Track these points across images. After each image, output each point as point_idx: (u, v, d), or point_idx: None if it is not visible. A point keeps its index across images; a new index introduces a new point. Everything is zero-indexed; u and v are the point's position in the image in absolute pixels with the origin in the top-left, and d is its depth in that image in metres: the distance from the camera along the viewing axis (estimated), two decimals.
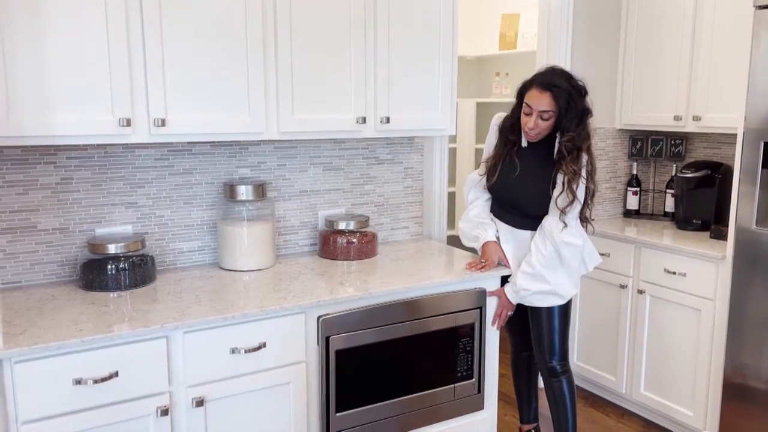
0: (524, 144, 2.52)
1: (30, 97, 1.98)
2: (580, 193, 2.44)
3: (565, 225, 2.43)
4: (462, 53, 3.78)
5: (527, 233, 2.56)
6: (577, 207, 2.45)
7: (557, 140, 2.43)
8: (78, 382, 1.84)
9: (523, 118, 2.45)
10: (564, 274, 2.51)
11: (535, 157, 2.51)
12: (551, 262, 2.48)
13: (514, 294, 2.54)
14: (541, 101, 2.37)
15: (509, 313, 2.61)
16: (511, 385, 3.06)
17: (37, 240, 2.35)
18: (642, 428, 3.27)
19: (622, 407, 3.45)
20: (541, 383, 2.80)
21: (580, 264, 2.58)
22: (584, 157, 2.43)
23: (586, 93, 2.43)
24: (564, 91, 2.36)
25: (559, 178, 2.44)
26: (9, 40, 1.93)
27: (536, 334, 2.64)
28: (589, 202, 2.52)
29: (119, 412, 1.92)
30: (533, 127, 2.41)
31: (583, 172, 2.43)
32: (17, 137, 2.00)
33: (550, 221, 2.48)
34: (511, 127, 2.54)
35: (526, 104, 2.41)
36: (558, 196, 2.43)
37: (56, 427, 1.84)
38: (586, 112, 2.42)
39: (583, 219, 2.54)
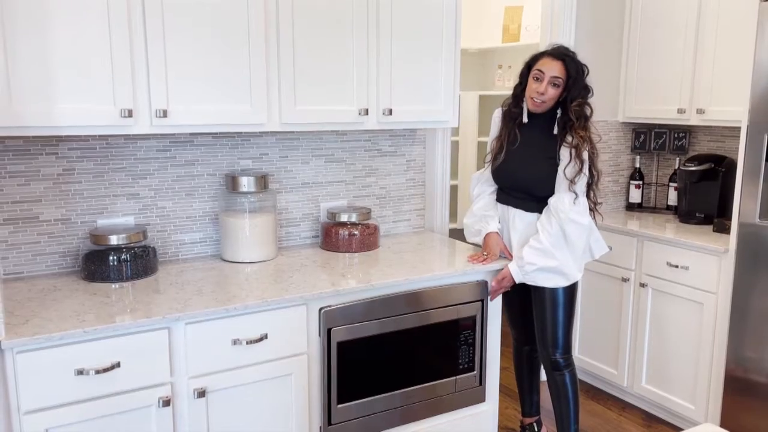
0: (525, 119, 2.54)
1: (32, 87, 1.98)
2: (586, 158, 2.45)
3: (576, 195, 2.44)
4: (465, 46, 3.77)
5: (534, 216, 2.55)
6: (584, 178, 2.45)
7: (558, 116, 2.47)
8: (80, 372, 1.85)
9: (533, 84, 2.47)
10: (569, 254, 2.50)
11: (536, 133, 2.53)
12: (557, 241, 2.46)
13: (519, 270, 2.51)
14: (553, 67, 2.44)
15: (507, 286, 2.57)
16: (512, 378, 3.06)
17: (39, 231, 2.36)
18: (643, 421, 3.27)
19: (624, 400, 3.45)
20: (543, 376, 2.80)
21: (586, 248, 2.57)
22: (591, 127, 2.49)
23: (588, 72, 2.49)
24: (574, 61, 2.45)
25: (564, 152, 2.45)
26: (11, 29, 1.92)
27: (540, 327, 2.63)
28: (594, 187, 2.52)
29: (121, 403, 1.92)
30: (543, 92, 2.43)
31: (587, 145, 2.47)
32: (19, 127, 1.99)
33: (556, 199, 2.47)
34: (515, 99, 2.58)
35: (538, 70, 2.46)
36: (566, 166, 2.44)
37: (58, 417, 1.84)
38: (588, 89, 2.49)
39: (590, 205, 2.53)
